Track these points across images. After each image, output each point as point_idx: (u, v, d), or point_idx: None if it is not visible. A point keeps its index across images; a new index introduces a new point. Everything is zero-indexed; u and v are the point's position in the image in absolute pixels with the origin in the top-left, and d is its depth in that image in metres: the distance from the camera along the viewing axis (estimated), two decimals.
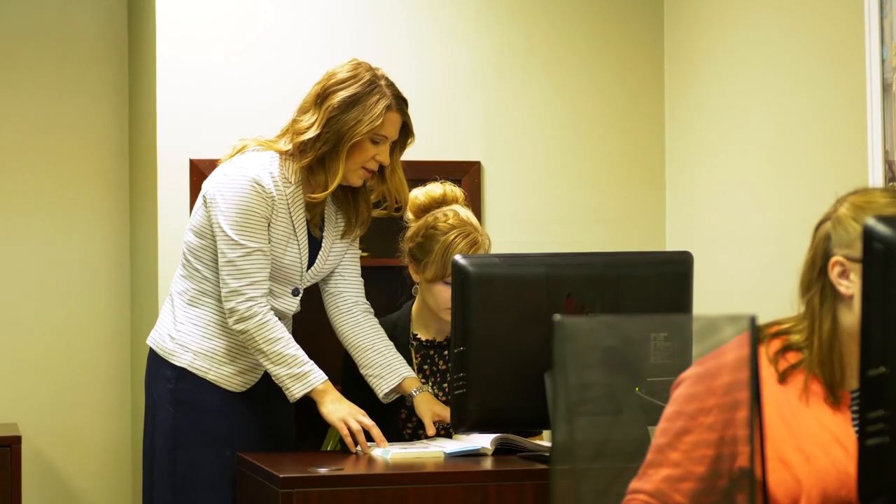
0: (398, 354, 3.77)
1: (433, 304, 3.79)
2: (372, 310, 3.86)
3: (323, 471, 3.18)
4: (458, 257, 3.36)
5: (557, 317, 1.84)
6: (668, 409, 2.50)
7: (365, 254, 4.65)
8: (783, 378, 2.50)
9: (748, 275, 4.46)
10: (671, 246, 4.84)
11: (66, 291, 5.26)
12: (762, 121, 4.39)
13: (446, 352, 3.85)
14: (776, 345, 2.53)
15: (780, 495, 2.43)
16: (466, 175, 4.70)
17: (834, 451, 2.45)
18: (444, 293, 3.74)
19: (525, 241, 4.71)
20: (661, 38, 4.95)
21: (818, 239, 2.54)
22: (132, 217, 5.22)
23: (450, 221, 3.77)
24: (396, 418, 3.80)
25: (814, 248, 2.54)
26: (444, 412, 3.67)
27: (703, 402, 2.43)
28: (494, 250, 3.87)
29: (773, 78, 4.32)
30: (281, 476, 3.12)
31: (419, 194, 3.86)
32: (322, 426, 3.95)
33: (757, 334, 1.87)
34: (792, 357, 2.52)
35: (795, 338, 2.53)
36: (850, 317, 2.47)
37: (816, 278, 2.52)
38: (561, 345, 1.89)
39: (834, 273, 2.49)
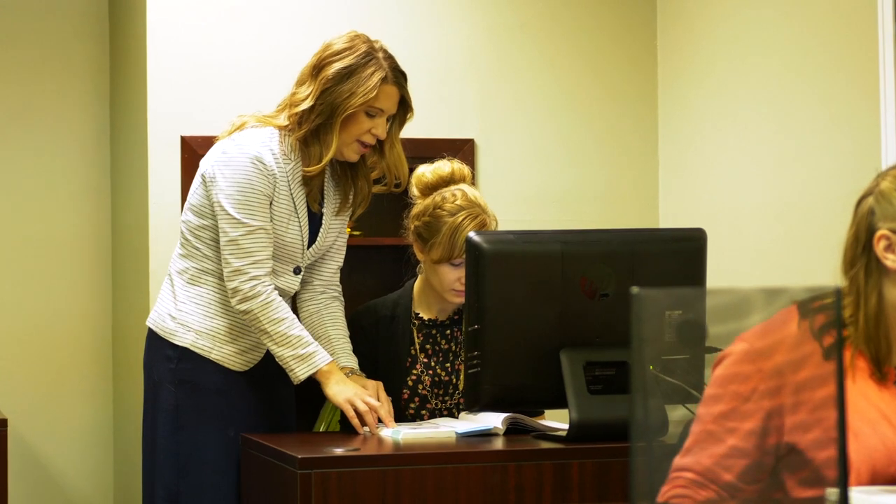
0: (347, 344, 3.72)
1: (438, 285, 3.74)
2: (340, 296, 3.81)
3: (339, 451, 3.13)
4: (472, 234, 3.31)
5: (635, 289, 1.79)
6: (713, 385, 2.46)
7: (357, 233, 4.60)
8: (829, 354, 2.46)
9: (743, 252, 4.45)
10: (664, 223, 4.83)
11: (45, 273, 5.18)
12: (763, 99, 4.37)
13: (448, 331, 3.82)
14: (820, 320, 2.49)
15: (828, 471, 2.40)
16: (460, 153, 4.66)
17: (882, 428, 2.42)
18: (449, 274, 3.70)
19: (518, 218, 4.69)
20: (653, 13, 4.93)
21: (861, 214, 2.50)
22: (113, 196, 5.15)
23: (458, 202, 3.71)
24: (399, 398, 3.75)
25: (856, 223, 2.51)
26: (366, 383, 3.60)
27: (748, 377, 2.40)
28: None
29: (775, 53, 4.30)
30: (300, 457, 3.07)
31: (426, 172, 3.80)
32: (316, 407, 3.91)
33: (841, 309, 1.82)
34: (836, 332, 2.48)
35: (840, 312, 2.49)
36: None
37: (861, 253, 2.48)
38: (638, 319, 1.84)
39: (880, 247, 2.45)
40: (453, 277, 3.69)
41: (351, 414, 3.52)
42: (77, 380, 5.19)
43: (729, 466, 2.39)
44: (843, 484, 1.72)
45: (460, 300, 3.71)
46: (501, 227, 3.98)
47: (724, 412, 2.41)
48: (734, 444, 2.39)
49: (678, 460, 2.43)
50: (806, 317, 2.48)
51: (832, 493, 2.29)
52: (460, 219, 3.68)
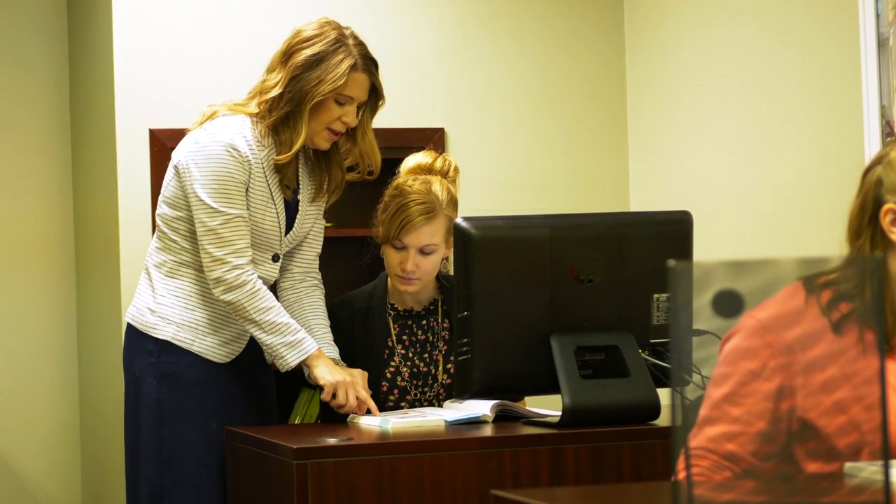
0: (328, 333, 3.70)
1: (387, 271, 3.72)
2: (321, 284, 3.79)
3: (333, 441, 3.10)
4: (459, 220, 3.30)
5: (672, 262, 1.78)
6: (722, 363, 2.45)
7: (328, 224, 4.58)
8: (837, 328, 2.46)
9: (717, 237, 4.45)
10: (635, 210, 4.84)
11: (5, 272, 5.10)
12: (735, 81, 4.37)
13: (425, 321, 3.79)
14: (827, 295, 2.49)
15: (841, 444, 2.39)
16: (430, 142, 4.65)
17: (893, 400, 2.42)
18: (391, 258, 3.68)
19: (487, 207, 4.68)
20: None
21: (868, 184, 2.49)
22: (75, 190, 5.08)
23: (415, 187, 3.69)
24: (378, 391, 3.72)
25: (863, 193, 2.49)
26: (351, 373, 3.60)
27: (758, 353, 2.39)
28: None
29: (746, 34, 4.30)
30: (295, 447, 3.04)
31: (409, 159, 3.81)
32: (290, 399, 3.88)
33: (882, 278, 1.82)
34: (844, 307, 2.47)
35: (845, 286, 2.48)
36: None
37: (867, 224, 2.48)
38: (675, 294, 1.82)
39: (886, 221, 2.45)
40: (395, 261, 3.67)
41: (329, 393, 3.49)
42: (42, 378, 5.12)
43: (742, 444, 2.39)
44: (886, 457, 1.72)
45: (405, 288, 3.68)
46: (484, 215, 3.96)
47: (734, 392, 2.40)
48: (744, 421, 2.38)
49: (691, 440, 2.42)
50: (812, 292, 2.47)
51: (851, 467, 2.29)
52: (407, 200, 3.66)
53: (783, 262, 2.01)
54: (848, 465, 2.31)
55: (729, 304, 1.87)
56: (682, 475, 2.39)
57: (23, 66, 5.10)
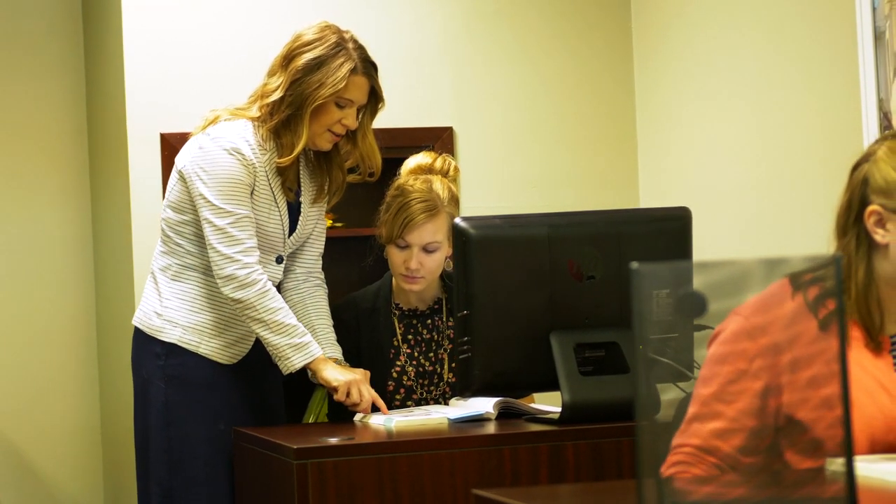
0: (331, 333, 3.72)
1: (392, 270, 3.74)
2: (324, 284, 3.81)
3: (334, 441, 3.13)
4: (458, 220, 3.32)
5: (635, 264, 1.80)
6: (708, 362, 2.47)
7: (339, 224, 4.61)
8: (824, 325, 2.47)
9: (725, 229, 4.45)
10: (644, 205, 4.83)
11: (28, 275, 5.15)
12: (740, 75, 4.37)
13: (429, 320, 3.81)
14: (814, 292, 2.50)
15: (828, 440, 2.41)
16: (439, 141, 4.66)
17: (879, 397, 2.43)
18: (395, 257, 3.70)
19: (499, 205, 4.68)
20: None
21: (855, 182, 2.50)
22: (93, 195, 5.12)
23: (416, 186, 3.71)
24: (384, 390, 3.74)
25: (850, 190, 2.50)
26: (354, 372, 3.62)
27: (744, 353, 2.40)
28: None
29: (752, 29, 4.30)
30: (295, 447, 3.07)
31: (410, 160, 3.82)
32: (302, 399, 3.90)
33: (842, 278, 1.83)
34: (830, 304, 2.49)
35: (831, 283, 2.49)
36: (886, 265, 2.45)
37: (852, 223, 2.49)
38: (638, 295, 1.84)
39: (870, 222, 2.46)
40: (399, 260, 3.69)
41: (343, 393, 3.51)
42: (63, 381, 5.16)
43: (728, 440, 2.40)
44: (849, 454, 1.73)
45: (410, 286, 3.71)
46: (481, 214, 3.97)
47: (722, 389, 2.41)
48: (732, 418, 2.40)
49: (677, 437, 2.44)
50: (799, 289, 2.48)
51: (832, 462, 2.30)
52: (409, 199, 3.68)
53: (746, 263, 2.02)
54: (830, 459, 2.32)
55: (692, 305, 1.89)
56: (667, 472, 2.41)
57: (41, 73, 5.15)
